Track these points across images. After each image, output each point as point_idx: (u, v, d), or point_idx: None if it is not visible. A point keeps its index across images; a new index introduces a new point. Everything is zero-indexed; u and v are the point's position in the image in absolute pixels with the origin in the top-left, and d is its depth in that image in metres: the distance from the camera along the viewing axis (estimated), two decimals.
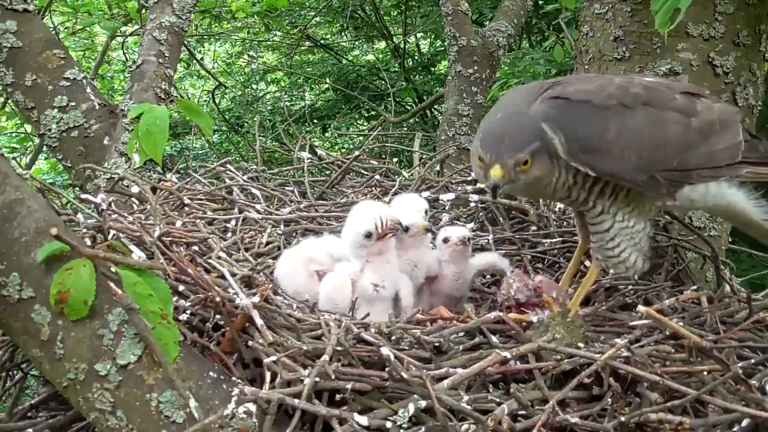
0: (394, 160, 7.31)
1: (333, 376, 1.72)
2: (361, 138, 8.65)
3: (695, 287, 2.47)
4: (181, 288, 2.02)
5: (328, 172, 3.76)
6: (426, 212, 2.64)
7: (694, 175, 2.18)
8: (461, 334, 2.06)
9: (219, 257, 2.32)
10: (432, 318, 2.23)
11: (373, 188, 3.42)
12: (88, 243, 1.98)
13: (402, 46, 9.30)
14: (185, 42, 5.02)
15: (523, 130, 2.09)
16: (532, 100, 2.17)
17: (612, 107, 2.13)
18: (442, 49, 8.51)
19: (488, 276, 2.81)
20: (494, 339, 2.03)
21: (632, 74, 2.47)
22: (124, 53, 7.84)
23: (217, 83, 8.59)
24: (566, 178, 2.15)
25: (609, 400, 1.78)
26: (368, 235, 2.33)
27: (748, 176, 2.24)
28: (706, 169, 2.19)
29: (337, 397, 1.76)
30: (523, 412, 1.74)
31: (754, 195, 2.28)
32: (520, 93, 2.30)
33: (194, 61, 8.88)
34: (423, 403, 1.70)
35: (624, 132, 2.12)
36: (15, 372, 2.39)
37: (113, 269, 1.83)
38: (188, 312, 1.97)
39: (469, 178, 3.31)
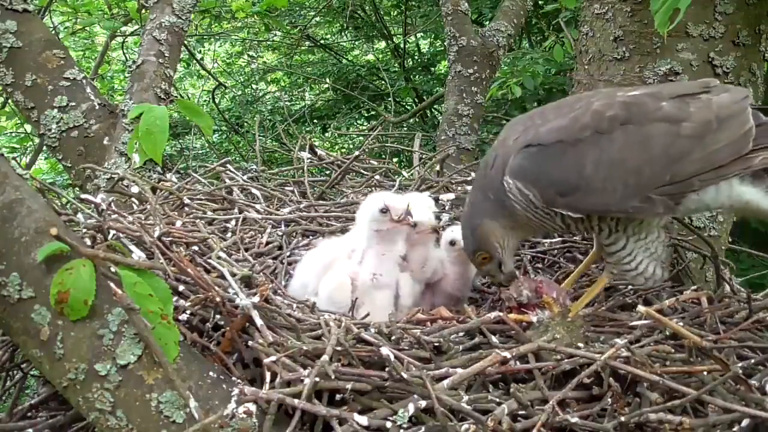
0: (394, 160, 7.31)
1: (333, 376, 1.72)
2: (361, 138, 8.64)
3: (695, 287, 2.47)
4: (181, 288, 2.02)
5: (328, 172, 3.76)
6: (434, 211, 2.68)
7: (696, 181, 2.08)
8: (461, 334, 2.06)
9: (219, 257, 2.32)
10: (432, 318, 2.24)
11: (373, 188, 3.41)
12: (88, 243, 1.98)
13: (402, 46, 9.30)
14: (185, 42, 5.01)
15: (463, 233, 2.34)
16: (511, 153, 2.16)
17: (586, 139, 2.07)
18: (442, 49, 8.51)
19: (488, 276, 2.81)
20: (494, 339, 2.03)
21: (618, 88, 2.37)
22: (124, 53, 7.83)
23: (217, 83, 8.58)
24: (557, 221, 2.15)
25: (609, 400, 1.78)
26: (384, 211, 2.37)
27: (764, 163, 2.09)
28: (707, 172, 2.08)
29: (337, 397, 1.76)
30: (523, 412, 1.74)
31: None
32: (498, 147, 2.26)
33: (194, 61, 8.88)
34: (423, 403, 1.70)
35: (602, 162, 2.06)
36: (15, 372, 2.39)
37: (113, 269, 1.83)
38: (188, 312, 1.97)
39: (469, 179, 3.32)
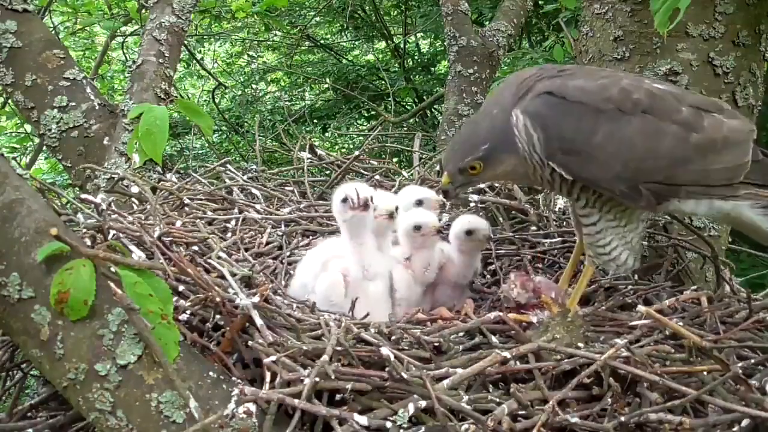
0: (394, 160, 7.30)
1: (333, 376, 1.72)
2: (361, 138, 8.64)
3: (695, 287, 2.47)
4: (181, 288, 2.02)
5: (328, 172, 3.76)
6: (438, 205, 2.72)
7: (683, 190, 2.14)
8: (461, 334, 2.06)
9: (219, 257, 2.32)
10: (432, 318, 2.24)
11: (373, 188, 3.41)
12: (88, 243, 1.98)
13: (402, 46, 9.29)
14: (185, 42, 5.01)
15: (477, 134, 2.21)
16: (525, 88, 2.17)
17: (607, 111, 2.10)
18: (442, 49, 8.51)
19: (488, 276, 2.82)
20: (494, 339, 2.03)
21: (645, 78, 2.43)
22: (124, 53, 7.83)
23: (217, 83, 8.58)
24: (545, 173, 2.15)
25: (609, 400, 1.78)
26: (344, 200, 2.38)
27: (747, 197, 2.17)
28: (697, 186, 2.15)
29: (337, 397, 1.76)
30: (523, 412, 1.74)
31: (758, 204, 2.20)
32: (518, 79, 2.25)
33: (194, 61, 8.88)
34: (423, 403, 1.70)
35: (613, 139, 2.08)
36: (15, 372, 2.39)
37: (113, 269, 1.83)
38: (188, 312, 1.97)
39: None
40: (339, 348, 1.81)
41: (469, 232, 2.55)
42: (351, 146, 9.41)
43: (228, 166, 3.41)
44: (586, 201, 2.20)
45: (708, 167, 2.14)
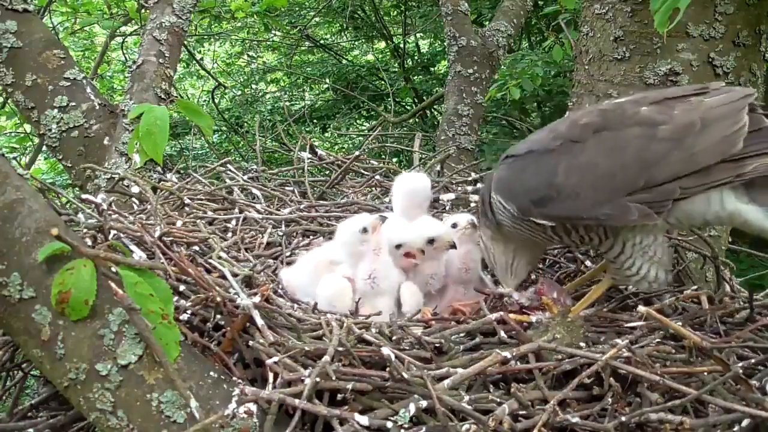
0: (394, 160, 7.31)
1: (334, 376, 1.72)
2: (361, 138, 8.66)
3: (695, 287, 2.47)
4: (181, 288, 2.02)
5: (328, 172, 3.76)
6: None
7: (676, 187, 1.99)
8: (462, 334, 2.06)
9: (219, 257, 2.32)
10: (446, 318, 2.24)
11: (373, 188, 3.42)
12: (89, 243, 1.98)
13: (402, 46, 9.30)
14: (185, 42, 5.01)
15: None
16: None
17: (557, 148, 2.09)
18: (442, 49, 8.52)
19: (488, 276, 2.81)
20: (502, 333, 2.03)
21: (613, 99, 2.43)
22: (124, 53, 7.84)
23: (217, 83, 8.59)
24: (547, 231, 2.14)
25: (609, 400, 1.78)
26: (364, 230, 2.40)
27: (756, 171, 1.97)
28: (688, 176, 1.99)
29: (338, 397, 1.76)
30: (524, 412, 1.74)
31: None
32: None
33: (194, 61, 8.89)
34: (424, 403, 1.70)
35: (572, 169, 2.04)
36: (15, 372, 2.39)
37: (114, 269, 1.83)
38: (189, 312, 1.97)
39: (470, 179, 3.32)
40: (340, 348, 1.81)
41: (453, 225, 2.55)
42: (351, 146, 9.42)
43: (228, 166, 3.41)
44: (599, 238, 2.13)
45: (690, 151, 2.00)
